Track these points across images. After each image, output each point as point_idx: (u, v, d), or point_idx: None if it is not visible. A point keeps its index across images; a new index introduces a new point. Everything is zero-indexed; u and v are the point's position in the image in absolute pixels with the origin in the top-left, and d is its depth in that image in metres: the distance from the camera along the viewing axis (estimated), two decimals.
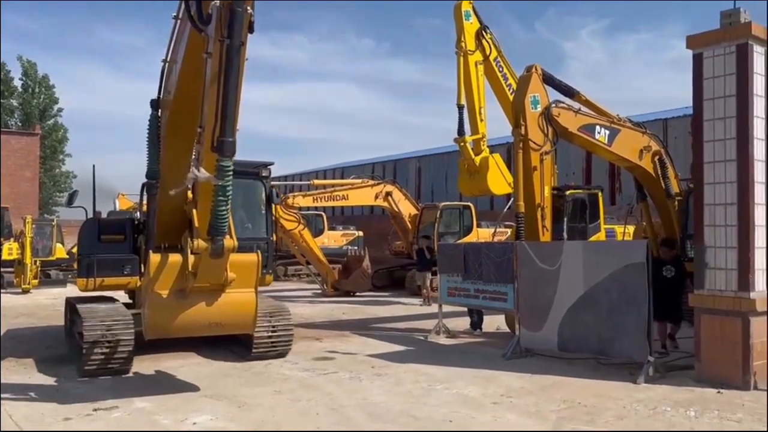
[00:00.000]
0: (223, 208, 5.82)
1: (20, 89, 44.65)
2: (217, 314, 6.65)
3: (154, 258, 6.49)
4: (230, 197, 5.80)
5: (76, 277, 9.28)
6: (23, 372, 8.04)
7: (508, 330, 10.46)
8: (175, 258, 6.51)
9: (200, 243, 6.15)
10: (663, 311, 8.45)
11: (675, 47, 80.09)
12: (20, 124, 43.24)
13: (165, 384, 7.40)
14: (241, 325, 7.10)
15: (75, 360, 8.21)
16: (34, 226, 19.28)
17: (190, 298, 6.50)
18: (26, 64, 44.68)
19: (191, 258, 6.42)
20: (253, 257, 6.97)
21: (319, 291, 18.54)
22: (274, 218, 10.46)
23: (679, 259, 9.49)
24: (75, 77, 71.48)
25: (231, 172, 5.64)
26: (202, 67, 5.89)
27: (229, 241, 6.19)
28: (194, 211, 6.42)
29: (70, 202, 10.30)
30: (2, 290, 18.59)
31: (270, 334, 8.60)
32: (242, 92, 5.72)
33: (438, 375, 7.73)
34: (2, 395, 6.71)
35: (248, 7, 5.46)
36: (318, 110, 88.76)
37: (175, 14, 6.85)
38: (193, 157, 7.18)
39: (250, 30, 5.61)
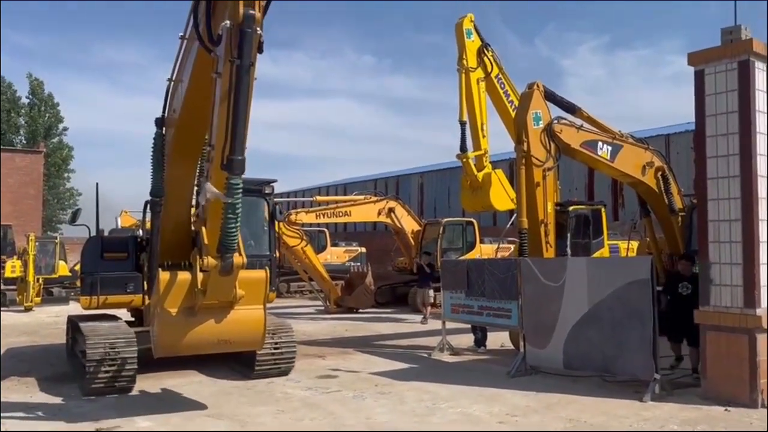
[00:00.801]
0: (233, 225, 5.87)
1: (27, 107, 44.95)
2: (226, 331, 6.62)
3: (164, 276, 6.47)
4: (239, 214, 5.86)
5: (80, 295, 9.28)
6: (25, 391, 8.02)
7: (512, 347, 10.40)
8: (184, 276, 6.50)
9: (210, 260, 6.15)
10: (678, 331, 8.21)
11: (673, 63, 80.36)
12: (25, 142, 43.47)
13: (168, 403, 7.36)
14: (250, 342, 7.07)
15: (78, 378, 8.19)
16: (37, 243, 19.30)
17: (199, 315, 6.48)
18: (34, 82, 44.98)
19: (200, 275, 6.41)
20: (261, 274, 6.96)
21: (322, 308, 18.49)
22: (276, 235, 10.47)
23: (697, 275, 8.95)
24: (76, 94, 72.07)
25: (240, 190, 5.72)
26: (210, 86, 5.95)
27: (239, 258, 6.19)
28: (203, 228, 6.42)
29: (73, 220, 10.34)
30: (5, 308, 18.57)
31: (273, 351, 8.55)
32: (251, 110, 5.77)
33: (442, 393, 7.67)
34: (3, 414, 6.68)
35: (258, 28, 5.53)
36: (319, 127, 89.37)
37: (181, 34, 6.93)
38: (199, 174, 7.21)
39: (260, 50, 5.68)
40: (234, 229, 5.90)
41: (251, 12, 5.45)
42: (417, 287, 16.59)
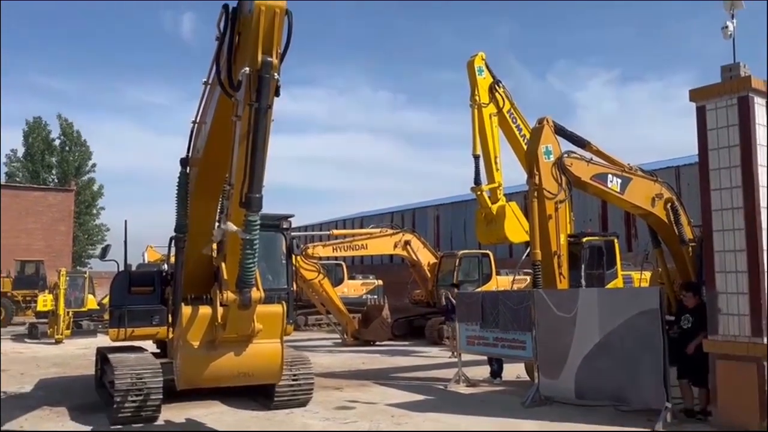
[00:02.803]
0: (251, 261, 5.97)
1: (58, 147, 46.19)
2: (245, 365, 6.73)
3: (186, 310, 6.64)
4: (257, 250, 5.96)
5: (108, 328, 9.47)
6: (57, 420, 8.19)
7: (528, 378, 10.37)
8: (205, 310, 6.65)
9: (229, 295, 6.29)
10: (682, 367, 7.81)
11: (683, 96, 79.69)
12: (57, 181, 44.60)
13: None
14: (268, 375, 7.16)
15: (106, 408, 8.34)
16: (67, 278, 19.65)
17: (220, 349, 6.61)
18: (64, 123, 46.31)
19: (220, 310, 6.57)
20: (278, 308, 7.09)
21: (340, 340, 18.45)
22: (294, 269, 10.61)
23: (701, 306, 8.15)
24: (106, 134, 74.03)
25: (258, 227, 5.83)
26: (231, 128, 6.16)
27: (257, 293, 6.32)
28: (223, 264, 6.61)
29: (103, 256, 10.62)
30: (37, 340, 18.88)
31: (291, 383, 8.62)
32: (268, 150, 5.95)
33: (458, 424, 7.70)
34: None
35: (275, 74, 5.74)
36: (337, 160, 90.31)
37: (205, 80, 7.19)
38: (220, 211, 7.43)
39: (277, 94, 5.88)
40: (252, 265, 6.00)
41: (269, 59, 5.67)
42: (446, 320, 15.82)
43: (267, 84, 5.69)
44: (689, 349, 7.51)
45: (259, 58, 5.66)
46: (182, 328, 6.60)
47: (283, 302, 7.52)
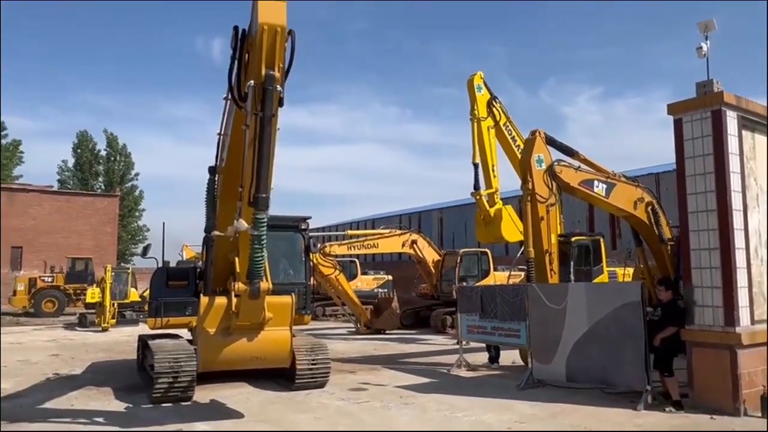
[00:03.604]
0: (259, 255, 5.95)
1: (104, 158, 46.68)
2: (257, 349, 6.77)
3: (204, 300, 6.70)
4: (265, 245, 5.93)
5: (147, 317, 9.56)
6: (103, 399, 8.27)
7: (522, 363, 10.32)
8: (221, 300, 6.70)
9: (240, 286, 6.32)
10: (654, 358, 7.48)
11: (660, 110, 79.48)
12: (104, 188, 45.03)
13: (221, 410, 7.51)
14: (278, 359, 7.17)
15: (146, 389, 8.41)
16: (112, 273, 19.82)
17: (234, 335, 6.65)
18: (110, 136, 46.79)
19: (234, 300, 6.59)
20: (287, 299, 7.10)
21: (354, 329, 18.45)
22: (312, 265, 10.63)
23: (672, 301, 7.74)
24: (145, 146, 74.71)
25: (266, 224, 5.83)
26: (243, 140, 6.17)
27: (265, 284, 6.34)
28: (236, 259, 6.63)
29: (144, 254, 10.75)
30: (86, 329, 19.07)
31: (310, 367, 8.63)
32: (276, 156, 6.00)
33: (459, 404, 7.67)
34: (84, 419, 6.94)
35: (278, 86, 5.80)
36: (350, 169, 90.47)
37: (225, 96, 7.25)
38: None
39: (281, 104, 5.92)
40: (260, 258, 5.97)
41: (272, 73, 5.73)
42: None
43: (270, 95, 5.74)
44: (655, 341, 7.27)
45: (263, 72, 5.71)
46: (201, 316, 6.63)
47: (293, 294, 7.49)
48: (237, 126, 6.54)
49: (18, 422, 6.90)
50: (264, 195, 5.77)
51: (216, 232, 6.78)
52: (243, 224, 5.93)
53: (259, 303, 6.49)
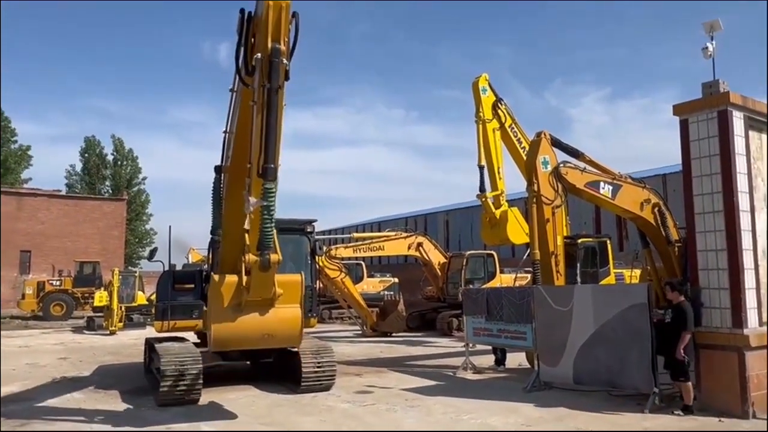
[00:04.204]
0: (269, 225, 6.13)
1: (111, 162, 47.00)
2: (268, 326, 6.79)
3: (215, 278, 6.78)
4: (274, 216, 6.11)
5: (154, 321, 9.59)
6: (110, 401, 8.32)
7: (529, 366, 10.29)
8: (232, 278, 6.78)
9: (251, 257, 6.39)
10: (666, 360, 7.39)
11: (668, 110, 78.74)
12: (111, 192, 45.32)
13: (228, 412, 7.55)
14: (289, 337, 7.16)
15: (153, 391, 8.46)
16: (120, 277, 19.93)
17: (246, 311, 6.70)
18: (117, 141, 47.12)
19: (245, 277, 6.67)
20: (297, 277, 7.17)
21: (360, 332, 18.45)
22: (318, 268, 10.63)
23: (682, 304, 7.43)
24: (152, 149, 75.01)
25: (274, 194, 6.02)
26: (251, 118, 6.29)
27: (275, 256, 6.41)
28: (247, 235, 6.69)
29: (151, 257, 10.76)
30: (93, 332, 19.17)
31: (316, 370, 8.68)
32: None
33: (465, 407, 7.66)
34: (92, 420, 6.99)
35: (283, 59, 5.98)
36: (355, 172, 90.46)
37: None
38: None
39: (287, 78, 6.12)
40: (270, 229, 6.14)
41: (278, 45, 5.93)
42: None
43: (276, 67, 5.94)
44: (677, 354, 7.01)
45: (269, 45, 5.91)
46: (212, 294, 6.68)
47: (302, 272, 7.55)
48: (244, 107, 6.64)
49: (25, 424, 6.96)
50: (272, 165, 5.94)
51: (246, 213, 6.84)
52: (252, 199, 6.11)
53: (269, 276, 6.55)
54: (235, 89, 7.18)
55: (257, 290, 6.66)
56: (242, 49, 6.33)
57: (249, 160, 6.29)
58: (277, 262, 6.49)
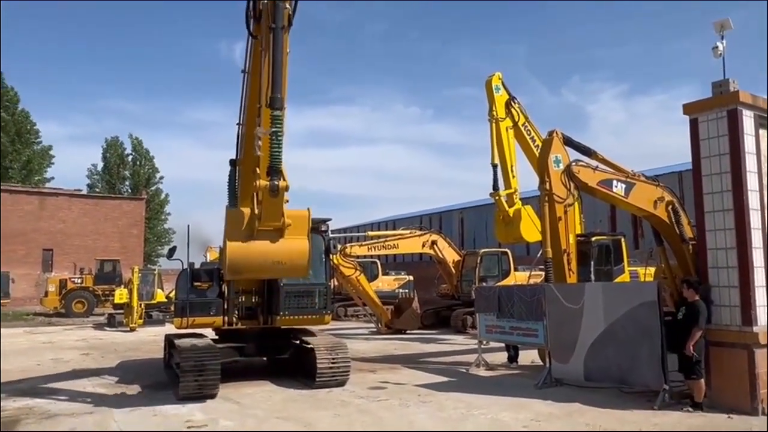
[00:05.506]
0: (277, 150, 6.60)
1: (131, 162, 47.78)
2: (278, 253, 7.25)
3: (229, 211, 7.23)
4: (281, 141, 6.57)
5: (173, 317, 9.85)
6: (131, 395, 8.58)
7: (541, 362, 10.37)
8: (245, 209, 7.29)
9: (261, 182, 6.77)
10: (679, 359, 7.41)
11: None
12: (130, 191, 46.11)
13: (245, 407, 7.76)
14: (297, 267, 7.59)
15: (172, 386, 8.72)
16: (139, 275, 20.31)
17: (258, 238, 7.11)
18: (135, 141, 47.87)
19: (256, 208, 7.08)
20: (304, 211, 7.60)
21: (374, 329, 18.60)
22: (332, 266, 10.78)
23: (696, 302, 7.47)
24: (170, 150, 76.03)
25: (281, 121, 6.53)
26: (260, 67, 6.87)
27: (283, 183, 6.81)
28: (257, 169, 7.04)
29: (170, 256, 10.99)
30: (114, 328, 19.61)
31: (331, 366, 8.85)
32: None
33: (476, 402, 7.78)
34: (114, 415, 7.26)
35: (286, 4, 6.67)
36: (371, 170, 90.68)
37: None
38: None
39: (290, 23, 6.74)
40: (278, 153, 6.61)
41: None
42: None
43: (281, 10, 6.59)
44: (687, 351, 7.09)
45: None
46: (227, 226, 7.15)
47: (309, 208, 7.90)
48: (256, 56, 7.17)
49: (50, 418, 7.27)
50: (278, 95, 6.49)
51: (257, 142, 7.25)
52: (262, 130, 6.65)
53: (278, 202, 6.96)
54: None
55: (268, 217, 7.09)
56: (251, 2, 6.97)
57: (258, 102, 6.89)
58: (285, 188, 6.88)
